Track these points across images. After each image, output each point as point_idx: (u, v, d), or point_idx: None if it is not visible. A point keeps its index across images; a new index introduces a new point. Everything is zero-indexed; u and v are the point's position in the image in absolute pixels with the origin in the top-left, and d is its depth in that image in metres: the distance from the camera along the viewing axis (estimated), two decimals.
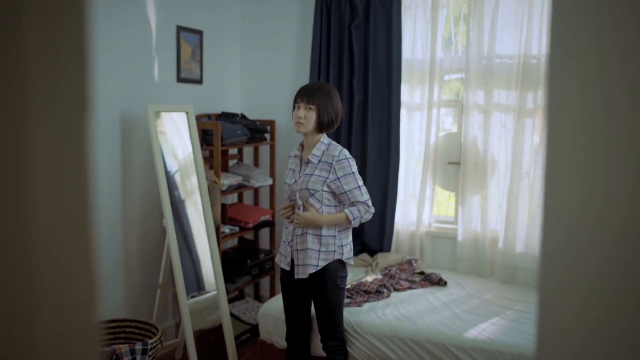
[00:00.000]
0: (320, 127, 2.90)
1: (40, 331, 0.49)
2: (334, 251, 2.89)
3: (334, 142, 2.95)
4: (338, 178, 2.84)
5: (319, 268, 2.87)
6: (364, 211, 2.88)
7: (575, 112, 0.64)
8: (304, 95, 2.88)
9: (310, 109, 2.85)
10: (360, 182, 2.89)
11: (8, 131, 0.44)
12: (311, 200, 2.86)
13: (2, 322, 0.46)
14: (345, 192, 2.85)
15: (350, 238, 2.99)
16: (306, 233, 2.88)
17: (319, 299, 2.95)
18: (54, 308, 0.50)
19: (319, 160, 2.88)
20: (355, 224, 2.90)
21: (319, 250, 2.87)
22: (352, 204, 2.87)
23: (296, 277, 2.92)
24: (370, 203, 2.91)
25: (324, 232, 2.88)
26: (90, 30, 0.48)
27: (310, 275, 2.89)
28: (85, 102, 0.48)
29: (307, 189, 2.86)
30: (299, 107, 2.89)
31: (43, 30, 0.45)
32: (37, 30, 0.45)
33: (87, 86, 0.48)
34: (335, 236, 2.89)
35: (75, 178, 0.47)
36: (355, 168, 2.89)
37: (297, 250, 2.91)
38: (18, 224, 0.46)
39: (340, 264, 2.92)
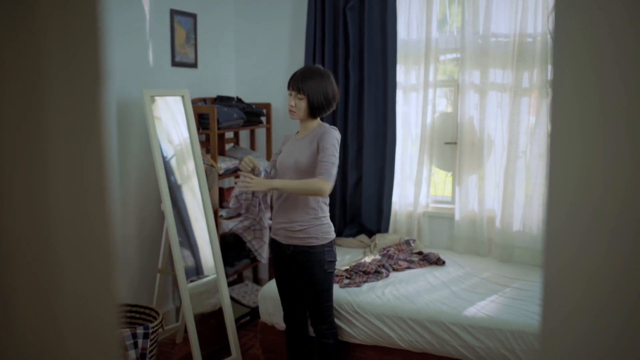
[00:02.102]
0: (313, 113, 2.89)
1: (62, 310, 0.49)
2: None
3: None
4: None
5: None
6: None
7: (582, 92, 0.63)
8: (294, 83, 2.87)
9: (299, 98, 2.86)
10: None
11: (26, 104, 0.45)
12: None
13: (27, 306, 0.47)
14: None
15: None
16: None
17: (307, 284, 2.96)
18: (73, 283, 0.51)
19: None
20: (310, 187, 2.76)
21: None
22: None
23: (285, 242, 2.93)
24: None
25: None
26: (104, 3, 0.48)
27: (298, 259, 2.91)
28: (100, 74, 0.48)
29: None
30: (290, 95, 2.90)
31: (58, 5, 0.46)
32: (53, 5, 0.45)
33: (101, 59, 0.48)
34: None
35: (91, 149, 0.48)
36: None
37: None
38: (37, 197, 0.46)
39: (327, 248, 2.92)
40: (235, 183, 2.92)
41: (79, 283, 0.52)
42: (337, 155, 2.81)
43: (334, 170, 2.77)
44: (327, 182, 2.72)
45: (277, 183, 2.79)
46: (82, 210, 0.50)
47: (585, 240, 0.64)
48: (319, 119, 2.97)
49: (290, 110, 2.90)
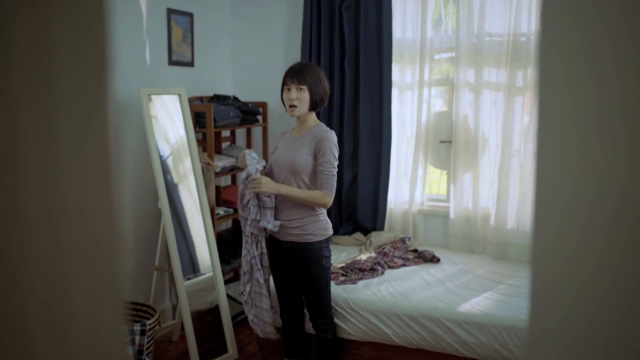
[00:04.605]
0: (313, 106, 2.90)
1: (69, 309, 0.52)
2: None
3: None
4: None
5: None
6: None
7: (566, 95, 0.62)
8: (294, 76, 2.86)
9: (301, 89, 2.85)
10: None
11: (35, 89, 0.47)
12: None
13: (36, 306, 0.49)
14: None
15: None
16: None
17: (305, 281, 2.99)
18: (80, 263, 0.53)
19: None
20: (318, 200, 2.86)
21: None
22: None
23: (282, 239, 2.96)
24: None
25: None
26: None
27: (295, 256, 2.94)
28: (105, 62, 0.51)
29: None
30: (289, 89, 2.88)
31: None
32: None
33: (106, 47, 0.50)
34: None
35: (97, 132, 0.50)
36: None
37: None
38: (46, 185, 0.48)
39: (324, 244, 2.95)
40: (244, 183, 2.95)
41: (86, 274, 0.54)
42: (336, 163, 2.88)
43: (335, 181, 2.86)
44: (330, 197, 2.86)
45: (284, 189, 2.84)
46: (90, 200, 0.53)
47: (575, 246, 0.63)
48: (315, 115, 2.98)
49: (291, 105, 2.86)
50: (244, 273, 3.09)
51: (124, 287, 0.55)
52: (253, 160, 2.94)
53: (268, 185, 2.82)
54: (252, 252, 3.02)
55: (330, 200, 2.87)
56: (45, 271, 0.50)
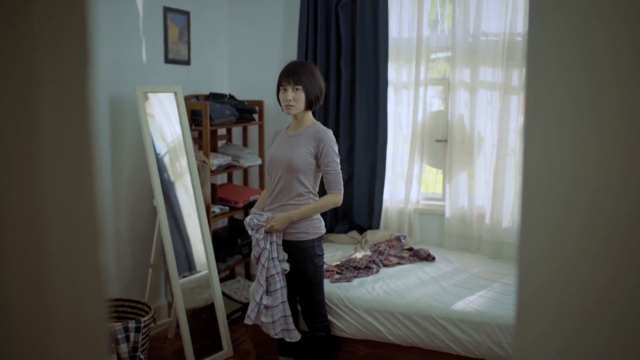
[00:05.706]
0: (309, 105, 2.93)
1: (53, 300, 0.52)
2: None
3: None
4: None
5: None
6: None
7: (556, 95, 0.60)
8: (290, 76, 2.89)
9: (297, 89, 2.88)
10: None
11: (18, 83, 0.48)
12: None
13: (20, 296, 0.50)
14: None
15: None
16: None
17: (298, 279, 3.00)
18: (62, 253, 0.54)
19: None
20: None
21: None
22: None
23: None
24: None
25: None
26: None
27: (288, 254, 2.96)
28: (87, 57, 0.51)
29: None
30: (285, 90, 2.91)
31: None
32: None
33: (88, 42, 0.51)
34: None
35: (79, 122, 0.51)
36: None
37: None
38: (28, 165, 0.49)
39: (317, 243, 2.97)
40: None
41: (69, 267, 0.54)
42: (339, 159, 2.94)
43: (341, 178, 2.94)
44: (340, 195, 2.95)
45: (295, 215, 2.89)
46: (72, 192, 0.53)
47: (566, 251, 0.61)
48: (311, 114, 3.01)
49: (288, 105, 2.90)
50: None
51: (105, 279, 0.56)
52: (258, 225, 2.92)
53: (279, 221, 2.88)
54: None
55: (340, 197, 2.96)
56: (26, 264, 0.51)
